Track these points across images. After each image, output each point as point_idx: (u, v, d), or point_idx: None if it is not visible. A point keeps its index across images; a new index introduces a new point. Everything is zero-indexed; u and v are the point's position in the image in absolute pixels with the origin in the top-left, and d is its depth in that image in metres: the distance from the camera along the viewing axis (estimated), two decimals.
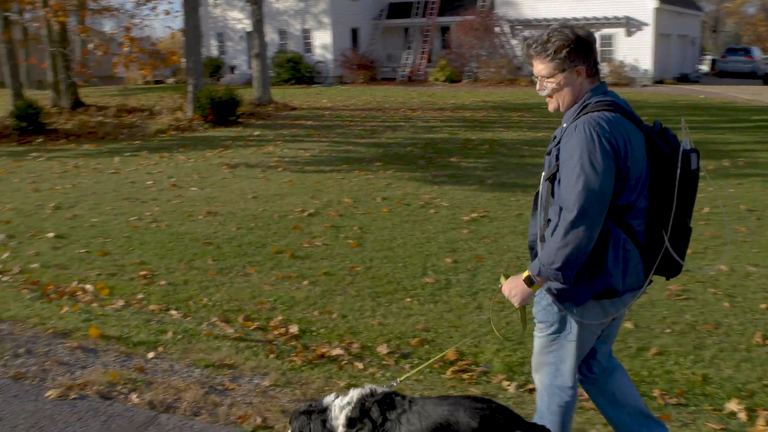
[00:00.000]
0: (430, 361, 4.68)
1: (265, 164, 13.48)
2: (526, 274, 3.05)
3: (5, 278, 6.89)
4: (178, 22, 26.69)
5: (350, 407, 3.04)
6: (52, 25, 21.18)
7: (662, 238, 3.00)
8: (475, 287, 6.42)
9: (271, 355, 5.03)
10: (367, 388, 3.12)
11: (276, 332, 5.46)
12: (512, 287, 3.11)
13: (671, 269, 3.11)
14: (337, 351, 5.06)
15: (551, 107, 3.15)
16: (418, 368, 4.38)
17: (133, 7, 23.01)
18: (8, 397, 4.33)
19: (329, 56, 38.27)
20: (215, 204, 10.07)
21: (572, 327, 3.13)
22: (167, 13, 26.45)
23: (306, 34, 39.03)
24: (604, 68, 31.64)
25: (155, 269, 7.12)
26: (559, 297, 3.07)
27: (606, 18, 32.74)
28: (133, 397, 4.34)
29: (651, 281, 3.15)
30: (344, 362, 4.91)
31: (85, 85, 27.01)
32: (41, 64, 23.08)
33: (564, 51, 2.96)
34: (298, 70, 37.71)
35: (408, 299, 6.16)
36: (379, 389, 3.10)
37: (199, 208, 9.75)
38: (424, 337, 5.31)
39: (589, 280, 3.00)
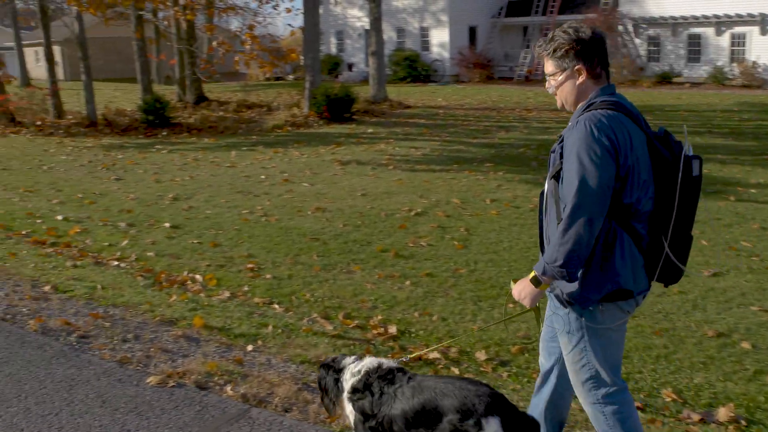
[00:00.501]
0: (451, 341, 4.53)
1: (376, 162, 13.55)
2: (532, 274, 3.05)
3: (123, 265, 7.20)
4: (299, 20, 27.39)
5: (357, 378, 3.34)
6: (181, 24, 22.08)
7: (662, 243, 3.01)
8: None
9: (368, 355, 5.01)
10: (376, 361, 3.40)
11: (375, 332, 5.45)
12: (521, 289, 3.13)
13: (671, 275, 3.10)
14: (435, 354, 4.99)
15: (558, 104, 3.22)
16: (433, 348, 4.27)
17: (257, 5, 23.63)
18: (113, 380, 4.51)
19: (446, 54, 38.14)
20: (324, 200, 10.20)
21: (593, 335, 3.10)
22: (288, 11, 27.15)
23: (423, 32, 39.06)
24: (734, 69, 30.07)
25: (262, 263, 7.26)
26: (571, 301, 3.05)
27: (738, 15, 30.97)
28: (228, 389, 4.42)
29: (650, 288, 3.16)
30: (441, 366, 4.84)
31: (209, 81, 28.05)
32: (170, 61, 24.13)
33: (564, 50, 3.03)
34: (415, 69, 37.78)
35: (510, 305, 6.02)
36: (386, 363, 3.37)
37: (309, 204, 9.90)
38: (524, 346, 5.16)
39: (598, 282, 2.99)
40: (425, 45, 39.07)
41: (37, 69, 53.52)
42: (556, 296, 3.13)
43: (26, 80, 34.71)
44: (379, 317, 5.76)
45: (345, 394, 3.37)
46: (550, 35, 3.14)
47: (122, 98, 30.04)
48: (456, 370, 4.77)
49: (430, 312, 5.87)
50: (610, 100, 2.99)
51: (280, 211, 9.58)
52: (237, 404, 4.21)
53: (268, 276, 6.85)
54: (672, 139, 3.07)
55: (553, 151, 3.12)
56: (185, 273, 6.91)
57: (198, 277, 6.80)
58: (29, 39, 51.27)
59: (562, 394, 3.48)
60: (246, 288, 6.50)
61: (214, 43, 18.29)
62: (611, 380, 3.15)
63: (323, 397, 3.55)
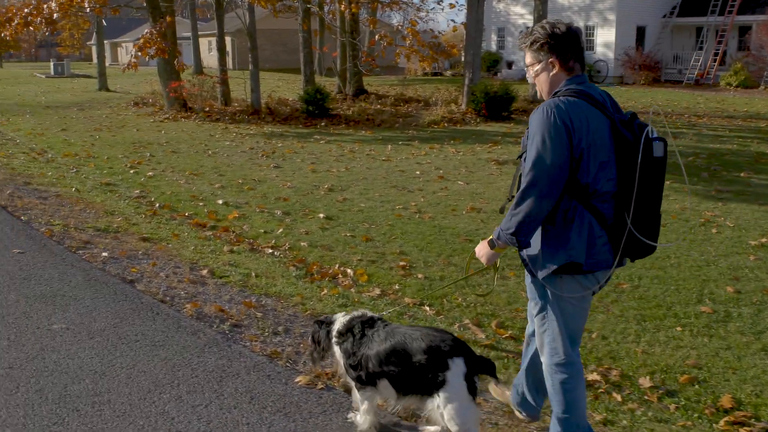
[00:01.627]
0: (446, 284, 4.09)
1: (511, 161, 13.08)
2: (490, 237, 3.39)
3: (277, 253, 7.27)
4: (461, 16, 27.10)
5: (342, 324, 3.80)
6: (345, 17, 22.41)
7: (626, 221, 3.22)
8: (760, 325, 5.59)
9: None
10: (361, 311, 3.88)
11: None
12: (480, 249, 3.46)
13: (639, 251, 3.33)
14: (594, 376, 4.62)
15: (538, 95, 3.56)
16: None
17: (420, 1, 23.60)
18: (262, 376, 4.47)
19: (610, 55, 36.68)
20: (480, 200, 9.93)
21: (554, 303, 3.42)
22: (452, 6, 26.86)
23: (588, 32, 37.74)
24: None
25: (414, 261, 7.11)
26: (530, 267, 3.40)
27: None
28: None
29: (623, 263, 3.44)
30: (600, 390, 4.47)
31: (370, 74, 28.39)
32: (332, 53, 24.61)
33: (539, 44, 3.29)
34: None
35: (678, 328, 5.52)
36: (369, 314, 3.84)
37: (463, 203, 9.67)
38: (694, 375, 4.69)
39: (555, 252, 3.28)
40: (589, 44, 37.74)
41: (209, 58, 56.41)
42: (524, 263, 3.46)
43: (199, 69, 36.57)
44: None
45: (333, 340, 3.81)
46: (530, 29, 3.40)
47: (284, 88, 31.03)
48: (618, 397, 4.39)
49: (589, 329, 5.48)
50: (574, 89, 3.24)
51: (434, 208, 9.41)
52: (386, 415, 4.05)
53: (419, 275, 6.68)
54: (637, 122, 3.26)
55: (526, 137, 3.34)
56: (337, 266, 6.87)
57: (349, 271, 6.73)
58: (204, 30, 54.16)
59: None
60: (397, 287, 6.36)
61: (377, 37, 18.38)
62: (565, 351, 3.45)
63: (314, 349, 3.96)
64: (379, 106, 22.32)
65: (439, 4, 26.32)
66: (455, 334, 3.57)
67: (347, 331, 3.74)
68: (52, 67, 51.01)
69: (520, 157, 3.38)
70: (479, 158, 13.68)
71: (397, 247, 7.59)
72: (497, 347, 5.09)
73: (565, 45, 3.29)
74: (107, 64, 73.95)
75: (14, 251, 6.95)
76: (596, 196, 3.23)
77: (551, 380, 3.51)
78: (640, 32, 37.38)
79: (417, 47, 18.61)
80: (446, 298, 6.10)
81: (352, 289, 6.23)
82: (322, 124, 19.12)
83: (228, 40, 53.19)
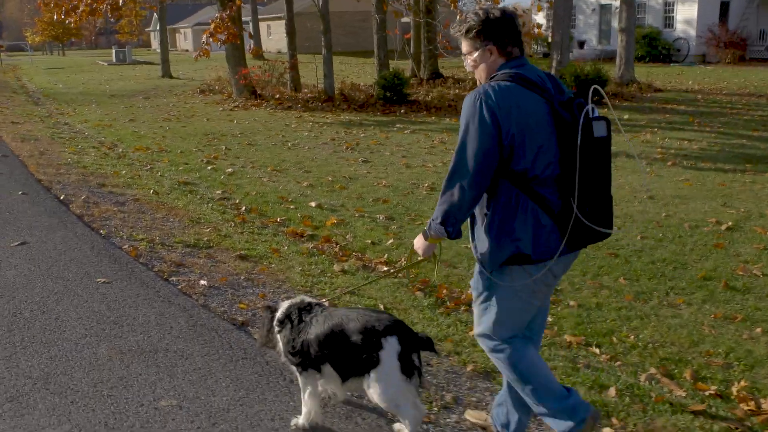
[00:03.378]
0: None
1: (649, 156, 11.76)
2: (424, 229, 3.26)
3: (393, 270, 6.19)
4: None
5: (281, 312, 3.74)
6: None
7: (572, 206, 3.05)
8: None
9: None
10: (299, 298, 3.83)
11: (744, 407, 3.99)
12: (417, 241, 3.36)
13: (589, 237, 3.15)
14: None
15: (478, 82, 3.30)
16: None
17: None
18: None
19: (692, 32, 34.63)
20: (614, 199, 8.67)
21: (500, 293, 3.26)
22: None
23: (668, 8, 35.73)
24: None
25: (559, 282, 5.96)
26: (481, 260, 3.25)
27: None
28: None
29: (577, 249, 3.23)
30: None
31: (446, 57, 27.08)
32: (405, 35, 23.38)
33: (474, 31, 3.15)
34: (655, 47, 34.68)
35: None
36: (308, 299, 3.78)
37: None
38: None
39: (502, 244, 3.12)
40: (668, 21, 35.75)
41: (268, 42, 55.74)
42: (476, 258, 3.29)
43: (259, 54, 35.80)
44: (742, 383, 4.26)
45: (275, 329, 3.75)
46: (463, 16, 3.24)
47: (349, 72, 30.01)
48: None
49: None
50: (508, 72, 3.09)
51: None
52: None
53: (571, 303, 5.53)
54: (577, 102, 3.09)
55: None
56: (469, 290, 5.76)
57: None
58: (262, 14, 53.41)
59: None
60: (550, 319, 5.22)
61: (457, 17, 17.13)
62: (500, 335, 3.32)
63: (260, 336, 3.95)
64: (458, 91, 21.05)
65: None
66: (393, 316, 3.55)
67: (285, 318, 3.70)
68: (113, 54, 50.99)
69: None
70: None
71: None
72: (709, 412, 3.92)
73: (501, 30, 3.14)
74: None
75: (98, 281, 5.96)
76: (537, 182, 3.08)
77: (500, 365, 3.41)
78: (724, 7, 35.19)
79: None
80: (615, 335, 4.96)
81: None
82: (402, 111, 17.98)
83: (283, 24, 52.37)
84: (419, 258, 3.44)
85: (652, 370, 4.45)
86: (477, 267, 3.34)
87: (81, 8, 19.99)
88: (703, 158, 11.51)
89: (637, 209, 8.32)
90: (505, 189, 3.08)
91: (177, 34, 79.11)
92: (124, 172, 10.51)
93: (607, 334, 4.98)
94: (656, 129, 14.64)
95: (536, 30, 18.81)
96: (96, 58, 59.44)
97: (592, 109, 3.03)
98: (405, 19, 50.61)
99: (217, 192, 9.27)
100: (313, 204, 8.59)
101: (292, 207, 8.51)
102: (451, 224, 3.09)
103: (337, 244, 7.03)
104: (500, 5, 3.46)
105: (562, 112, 3.04)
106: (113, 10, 20.37)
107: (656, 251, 6.79)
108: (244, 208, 8.45)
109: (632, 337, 4.95)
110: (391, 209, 8.38)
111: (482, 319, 3.36)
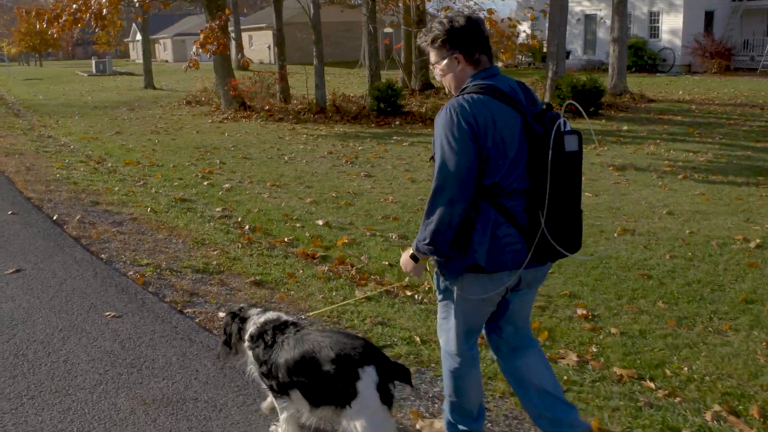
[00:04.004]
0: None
1: (657, 168, 11.47)
2: (411, 249, 3.20)
3: (418, 296, 5.80)
4: (538, 2, 25.02)
5: (255, 327, 3.57)
6: (411, 6, 20.86)
7: (539, 220, 3.01)
8: None
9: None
10: (275, 314, 3.65)
11: None
12: (404, 262, 3.27)
13: (555, 253, 3.10)
14: None
15: (446, 90, 3.29)
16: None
17: None
18: None
19: (677, 42, 34.67)
20: (624, 218, 8.37)
21: (455, 299, 3.26)
22: None
23: (653, 18, 35.76)
24: None
25: (592, 306, 5.62)
26: (440, 268, 3.24)
27: None
28: None
29: (547, 262, 3.21)
30: None
31: None
32: (395, 45, 23.05)
33: (440, 41, 3.12)
34: (641, 57, 34.65)
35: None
36: (284, 317, 3.62)
37: (608, 223, 8.11)
38: None
39: (459, 255, 3.10)
40: (654, 31, 35.80)
41: (250, 52, 55.26)
42: (435, 262, 3.25)
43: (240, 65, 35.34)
44: None
45: (246, 344, 3.58)
46: (429, 26, 3.20)
47: (334, 82, 29.56)
48: None
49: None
50: (481, 84, 3.05)
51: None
52: None
53: (612, 330, 5.17)
54: (549, 114, 3.03)
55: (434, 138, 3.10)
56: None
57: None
58: (244, 24, 52.99)
59: (536, 371, 3.46)
60: (594, 349, 4.87)
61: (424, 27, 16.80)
62: (458, 344, 3.36)
63: (225, 342, 3.74)
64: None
65: None
66: (367, 340, 3.43)
67: (259, 336, 3.52)
68: (93, 65, 50.33)
69: (431, 159, 3.14)
70: (591, 162, 12.03)
71: (560, 283, 6.10)
72: None
73: (467, 38, 3.10)
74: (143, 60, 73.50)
75: (107, 315, 5.34)
76: (503, 194, 3.04)
77: (444, 364, 3.49)
78: (708, 17, 35.35)
79: (496, 38, 17.03)
80: (667, 367, 4.60)
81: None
82: (397, 123, 17.60)
83: (270, 34, 51.97)
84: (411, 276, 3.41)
85: (716, 407, 4.10)
86: (436, 271, 3.33)
87: (64, 18, 19.44)
88: (713, 171, 11.25)
89: (659, 226, 7.99)
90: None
91: (156, 45, 78.40)
92: (117, 188, 10.03)
93: (659, 366, 4.63)
94: (658, 141, 14.39)
95: (531, 41, 18.55)
96: (75, 69, 58.64)
97: (564, 123, 2.99)
98: (387, 29, 50.44)
99: (217, 209, 8.83)
100: (320, 222, 8.18)
101: (298, 225, 8.10)
102: (441, 243, 3.03)
103: (352, 266, 6.62)
104: (472, 13, 3.53)
105: (534, 124, 3.00)
106: (97, 19, 19.78)
107: (689, 272, 6.46)
108: (247, 226, 8.02)
109: (685, 368, 4.60)
110: (403, 227, 8.00)
111: (444, 320, 3.40)
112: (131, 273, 6.21)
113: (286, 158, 12.84)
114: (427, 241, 3.02)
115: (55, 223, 7.86)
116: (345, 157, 12.84)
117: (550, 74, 18.20)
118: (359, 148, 14.08)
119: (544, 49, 21.63)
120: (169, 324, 5.15)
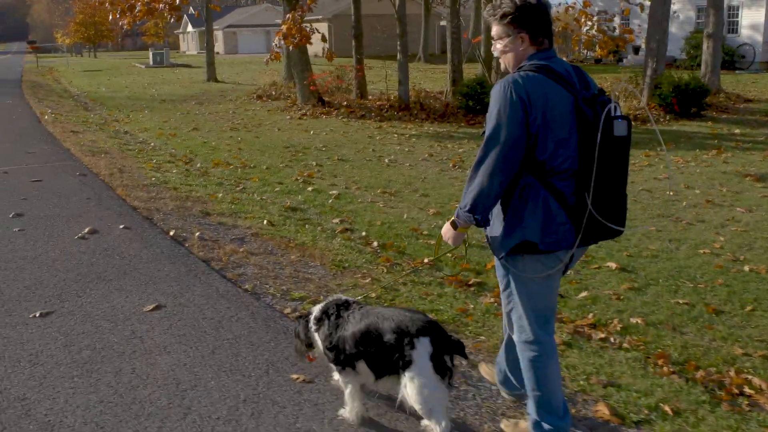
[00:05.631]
0: None
1: None
2: (452, 217, 3.26)
3: (605, 336, 4.91)
4: None
5: (318, 310, 3.77)
6: None
7: (586, 201, 3.05)
8: None
9: None
10: (336, 295, 3.88)
11: None
12: (445, 231, 3.33)
13: (602, 233, 3.15)
14: None
15: (502, 67, 3.50)
16: None
17: None
18: None
19: (758, 38, 33.03)
20: None
21: (518, 282, 3.29)
22: None
23: (732, 12, 34.13)
24: None
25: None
26: (491, 244, 3.30)
27: None
28: None
29: (589, 244, 3.24)
30: None
31: None
32: (473, 39, 22.03)
33: (509, 18, 3.13)
34: None
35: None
36: (344, 298, 3.80)
37: None
38: None
39: (510, 231, 3.15)
40: (732, 26, 34.17)
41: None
42: (488, 242, 3.34)
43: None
44: None
45: (312, 328, 3.74)
46: (498, 1, 3.18)
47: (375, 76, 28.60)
48: None
49: None
50: (536, 63, 3.09)
51: (750, 254, 6.88)
52: None
53: None
54: (600, 99, 3.05)
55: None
56: (728, 370, 4.48)
57: (756, 381, 4.35)
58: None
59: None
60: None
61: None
62: (532, 330, 3.32)
63: (297, 343, 3.89)
64: None
65: None
66: (428, 316, 3.50)
67: (323, 314, 3.69)
68: (150, 56, 50.20)
69: (483, 134, 3.13)
70: (719, 171, 10.96)
71: (760, 331, 5.13)
72: None
73: (535, 19, 3.13)
74: (195, 52, 73.35)
75: (294, 378, 4.21)
76: (554, 173, 3.09)
77: (521, 357, 3.42)
78: None
79: (593, 33, 15.98)
80: None
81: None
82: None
83: (324, 26, 51.27)
84: (450, 247, 3.41)
85: None
86: (495, 258, 3.39)
87: (138, 8, 18.92)
88: None
89: None
90: (522, 178, 3.12)
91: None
92: (220, 195, 9.27)
93: None
94: None
95: (627, 35, 17.44)
96: (131, 60, 58.78)
97: (615, 108, 3.03)
98: (442, 23, 49.08)
99: (334, 221, 8.03)
100: None
101: (432, 242, 7.26)
102: (480, 211, 3.09)
103: None
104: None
105: (584, 108, 3.04)
106: (171, 10, 19.24)
107: None
108: (376, 243, 7.21)
109: None
110: None
111: (510, 309, 3.43)
112: (289, 311, 5.31)
113: (386, 161, 11.99)
114: (467, 208, 3.11)
115: (176, 241, 7.04)
116: (450, 161, 11.96)
117: (649, 72, 17.08)
118: (459, 150, 13.18)
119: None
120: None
